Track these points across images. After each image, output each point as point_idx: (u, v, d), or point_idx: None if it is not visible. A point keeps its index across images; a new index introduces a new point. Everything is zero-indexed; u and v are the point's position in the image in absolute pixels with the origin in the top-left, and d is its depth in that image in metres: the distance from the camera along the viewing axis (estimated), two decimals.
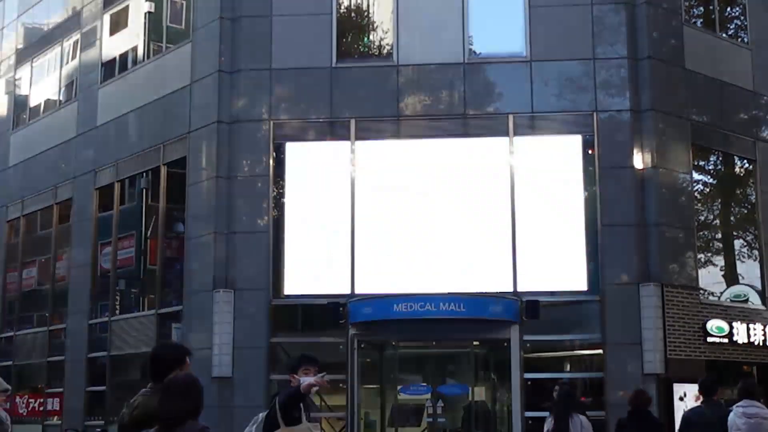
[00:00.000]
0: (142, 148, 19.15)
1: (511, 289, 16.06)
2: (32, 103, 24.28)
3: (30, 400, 21.70)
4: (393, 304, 15.75)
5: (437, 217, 16.63)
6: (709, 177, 18.60)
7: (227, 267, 16.64)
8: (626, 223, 15.99)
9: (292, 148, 17.24)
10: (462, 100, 16.77)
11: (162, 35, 19.81)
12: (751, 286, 17.67)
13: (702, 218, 18.17)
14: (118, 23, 21.01)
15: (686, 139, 16.86)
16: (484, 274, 16.25)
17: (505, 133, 16.53)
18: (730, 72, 18.07)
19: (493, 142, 16.71)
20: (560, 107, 16.55)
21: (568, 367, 16.77)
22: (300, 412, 6.77)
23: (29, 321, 23.01)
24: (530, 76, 16.62)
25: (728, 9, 19.58)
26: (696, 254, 16.78)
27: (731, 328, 16.40)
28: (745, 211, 18.92)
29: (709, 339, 16.10)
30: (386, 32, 17.61)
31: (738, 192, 19.06)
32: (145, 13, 19.91)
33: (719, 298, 17.31)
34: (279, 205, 17.36)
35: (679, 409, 14.18)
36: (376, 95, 16.96)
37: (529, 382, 15.78)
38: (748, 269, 17.97)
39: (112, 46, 21.10)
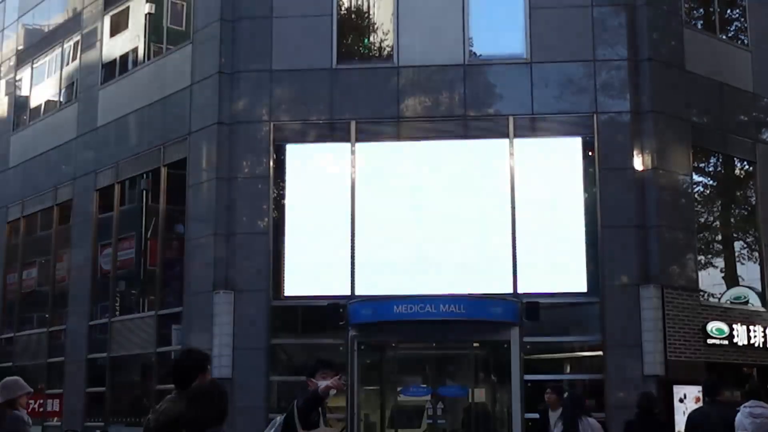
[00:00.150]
0: (142, 150, 19.16)
1: (511, 291, 16.07)
2: (33, 104, 24.29)
3: (30, 401, 21.56)
4: (393, 305, 15.74)
5: (437, 218, 16.62)
6: (709, 178, 18.60)
7: (227, 268, 16.63)
8: (626, 224, 15.99)
9: (292, 150, 17.25)
10: (462, 102, 16.78)
11: (162, 36, 19.82)
12: (752, 288, 17.67)
13: (702, 220, 18.17)
14: (119, 24, 21.02)
15: (686, 141, 16.86)
16: (484, 276, 16.25)
17: (506, 135, 16.53)
18: (730, 74, 18.08)
19: (493, 143, 16.72)
20: (560, 109, 16.55)
21: (568, 369, 16.77)
22: (318, 415, 6.86)
23: (29, 322, 23.01)
24: (530, 78, 16.62)
25: (728, 11, 19.59)
26: (696, 256, 16.78)
27: (731, 329, 16.40)
28: (745, 213, 18.92)
29: (709, 341, 16.10)
30: (386, 34, 17.61)
31: (738, 194, 19.07)
32: (146, 15, 19.92)
33: (719, 299, 17.32)
34: (279, 207, 17.36)
35: (679, 411, 14.21)
36: (377, 97, 16.96)
37: (529, 384, 15.76)
38: (748, 271, 17.97)
39: (113, 48, 21.11)
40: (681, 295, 15.97)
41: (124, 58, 20.86)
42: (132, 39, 20.62)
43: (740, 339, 16.49)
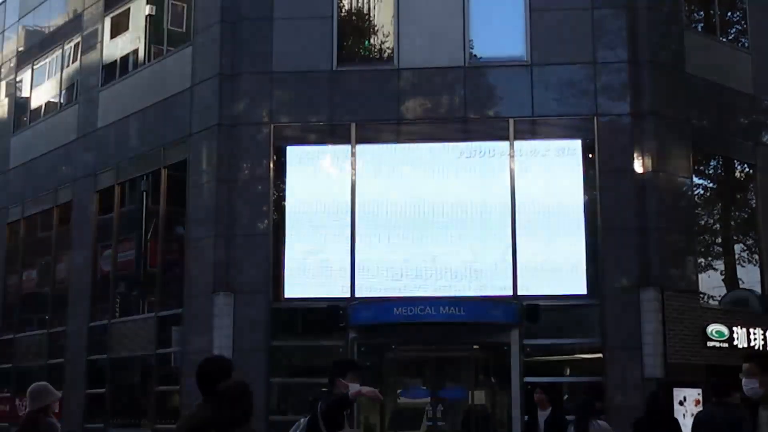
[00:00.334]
0: (142, 151, 19.17)
1: (511, 293, 16.07)
2: (33, 105, 24.29)
3: None
4: (393, 307, 15.75)
5: (437, 220, 16.62)
6: (709, 181, 18.60)
7: (227, 270, 16.63)
8: (626, 227, 15.99)
9: (292, 152, 17.25)
10: (463, 104, 16.78)
11: (163, 38, 19.83)
12: (751, 291, 17.67)
13: (702, 222, 18.17)
14: (119, 26, 21.03)
15: (686, 144, 16.86)
16: (484, 278, 16.24)
17: (506, 137, 16.53)
18: (731, 76, 18.08)
19: (493, 145, 16.71)
20: (561, 111, 16.55)
21: (568, 371, 16.75)
22: (343, 418, 6.80)
23: (29, 323, 23.00)
24: (531, 80, 16.63)
25: (729, 13, 19.60)
26: (696, 258, 16.78)
27: (731, 332, 16.39)
28: (746, 216, 18.92)
29: (709, 343, 16.09)
30: (387, 36, 17.62)
31: (738, 196, 19.06)
32: (146, 16, 19.92)
33: (719, 302, 17.31)
34: (279, 209, 17.36)
35: (679, 413, 14.19)
36: (377, 99, 16.97)
37: (529, 386, 15.71)
38: (749, 274, 17.97)
39: (113, 49, 21.11)
40: (681, 297, 15.96)
41: (124, 59, 20.86)
42: (132, 40, 20.63)
43: (740, 342, 16.48)
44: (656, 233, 15.98)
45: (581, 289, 16.22)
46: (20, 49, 25.20)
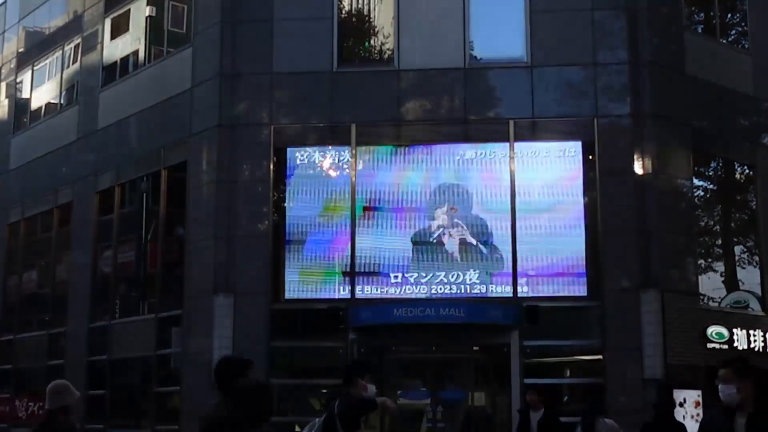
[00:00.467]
0: (142, 152, 19.17)
1: (511, 295, 16.07)
2: (33, 106, 24.30)
3: (29, 404, 21.66)
4: (393, 308, 15.75)
5: (437, 221, 16.62)
6: (709, 183, 18.59)
7: (227, 271, 16.63)
8: (626, 228, 15.98)
9: (292, 153, 17.25)
10: (463, 105, 16.78)
11: (163, 39, 19.83)
12: (752, 293, 17.65)
13: (702, 224, 18.16)
14: (119, 27, 21.03)
15: (687, 145, 16.86)
16: (484, 279, 16.24)
17: (506, 138, 16.53)
18: (731, 78, 18.07)
19: (493, 147, 16.71)
20: (561, 112, 16.55)
21: (568, 373, 16.75)
22: (360, 419, 6.88)
23: (29, 324, 23.00)
24: (531, 82, 16.63)
25: (729, 15, 19.60)
26: (696, 260, 16.78)
27: (731, 334, 16.38)
28: (746, 217, 18.91)
29: (709, 345, 16.09)
30: (387, 37, 17.62)
31: (738, 198, 19.06)
32: (146, 17, 19.93)
33: (719, 304, 17.31)
34: (279, 210, 17.36)
35: (679, 415, 14.17)
36: (377, 100, 16.97)
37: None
38: (749, 275, 17.96)
39: (113, 50, 21.12)
40: (681, 299, 15.96)
41: (124, 60, 20.87)
42: (133, 41, 20.63)
43: (740, 343, 16.48)
44: (656, 235, 15.97)
45: (581, 290, 16.22)
46: (20, 50, 25.20)
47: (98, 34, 21.34)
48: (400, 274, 16.36)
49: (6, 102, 25.31)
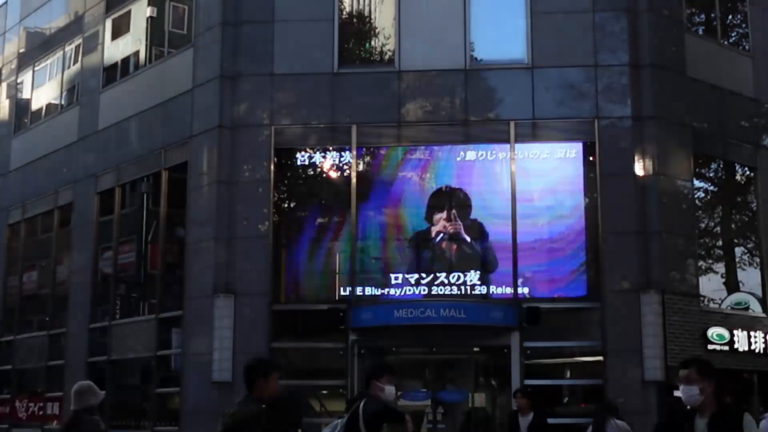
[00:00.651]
0: (143, 153, 19.16)
1: (511, 296, 16.06)
2: (34, 107, 24.30)
3: (30, 404, 21.68)
4: (393, 309, 15.75)
5: (438, 222, 16.62)
6: (710, 184, 18.59)
7: (228, 272, 16.62)
8: (627, 230, 15.98)
9: (293, 154, 17.25)
10: (463, 107, 16.78)
11: (164, 40, 19.83)
12: (752, 294, 17.65)
13: (703, 226, 18.16)
14: (120, 28, 21.03)
15: (687, 147, 16.86)
16: (484, 281, 16.24)
17: (507, 140, 16.53)
18: (732, 80, 18.08)
19: (494, 148, 16.71)
20: (561, 114, 16.55)
21: (568, 374, 16.75)
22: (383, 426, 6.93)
23: (29, 325, 22.99)
24: (531, 83, 16.63)
25: (730, 17, 19.60)
26: (697, 262, 16.78)
27: (732, 335, 16.39)
28: (746, 219, 18.91)
29: (710, 346, 16.08)
30: (388, 38, 17.62)
31: (739, 199, 19.05)
32: (147, 18, 19.93)
33: (720, 305, 17.30)
34: (280, 211, 17.37)
35: None
36: (378, 101, 16.97)
37: (530, 389, 15.73)
38: (749, 277, 17.96)
39: (114, 51, 21.12)
40: (681, 300, 15.96)
41: (125, 61, 20.87)
42: (133, 42, 20.63)
43: (741, 345, 16.48)
44: (657, 236, 15.97)
45: (582, 291, 16.23)
46: (21, 50, 25.21)
47: (99, 34, 21.34)
48: (400, 275, 16.36)
49: (7, 102, 25.30)
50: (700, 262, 17.20)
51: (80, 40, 22.13)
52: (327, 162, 17.16)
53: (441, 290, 16.12)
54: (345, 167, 16.95)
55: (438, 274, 16.27)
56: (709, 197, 18.47)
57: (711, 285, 17.34)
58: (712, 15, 18.86)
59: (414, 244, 16.73)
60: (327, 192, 17.56)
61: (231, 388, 16.05)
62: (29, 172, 23.32)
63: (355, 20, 18.30)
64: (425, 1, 17.43)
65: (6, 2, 26.24)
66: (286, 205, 17.79)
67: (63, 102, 23.06)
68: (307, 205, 17.94)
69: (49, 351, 21.25)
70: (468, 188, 16.72)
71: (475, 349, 16.71)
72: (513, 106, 16.71)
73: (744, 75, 18.45)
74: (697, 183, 17.42)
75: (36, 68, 24.27)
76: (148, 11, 19.88)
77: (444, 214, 16.66)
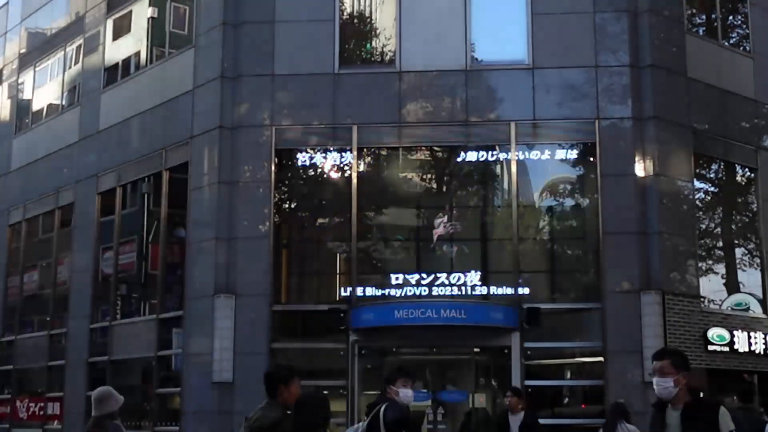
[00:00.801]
0: (144, 153, 19.17)
1: (512, 296, 16.06)
2: (35, 107, 24.30)
3: (30, 404, 21.69)
4: (394, 310, 15.76)
5: (438, 223, 16.63)
6: (710, 185, 18.60)
7: (228, 272, 16.64)
8: (627, 230, 15.99)
9: (293, 154, 17.27)
10: (464, 107, 16.79)
11: (165, 40, 19.84)
12: (752, 295, 17.66)
13: (703, 226, 18.17)
14: (121, 28, 21.05)
15: (688, 147, 16.87)
16: (485, 281, 16.25)
17: (507, 140, 16.54)
18: (732, 80, 18.08)
19: (494, 149, 16.71)
20: (562, 114, 16.56)
21: (568, 375, 16.76)
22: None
23: (30, 325, 23.01)
24: (532, 84, 16.64)
25: (730, 18, 19.60)
26: (697, 262, 16.78)
27: (732, 336, 16.39)
28: (747, 220, 18.91)
29: (710, 347, 16.10)
30: (389, 39, 17.63)
31: (739, 200, 19.06)
32: (148, 19, 19.94)
33: (720, 306, 17.31)
34: (280, 211, 17.38)
35: None
36: (378, 101, 16.98)
37: (530, 389, 15.76)
38: (749, 278, 17.97)
39: (115, 51, 21.13)
40: (682, 301, 15.97)
41: (126, 61, 20.87)
42: (134, 43, 20.65)
43: (741, 346, 16.48)
44: (657, 237, 15.97)
45: (582, 292, 16.23)
46: (22, 50, 25.22)
47: (100, 35, 21.35)
48: (401, 276, 16.36)
49: (8, 103, 25.32)
50: (701, 263, 17.21)
51: (81, 41, 22.14)
52: (328, 162, 17.17)
53: (441, 291, 16.12)
54: (345, 168, 16.96)
55: (438, 275, 16.27)
56: (709, 198, 18.48)
57: (711, 286, 17.35)
58: (713, 16, 18.87)
59: (415, 244, 16.74)
60: (328, 192, 17.58)
61: (231, 389, 16.09)
62: (30, 172, 23.33)
63: (355, 21, 18.31)
64: (426, 2, 17.44)
65: (7, 2, 26.25)
66: (286, 206, 17.80)
67: (64, 102, 23.07)
68: (307, 206, 17.96)
69: (50, 351, 21.26)
70: (468, 189, 16.73)
71: (475, 349, 16.72)
72: (513, 106, 16.72)
73: (744, 76, 18.45)
74: (697, 184, 17.43)
75: (37, 68, 24.28)
76: (149, 12, 19.90)
77: (445, 215, 16.67)
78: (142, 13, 20.23)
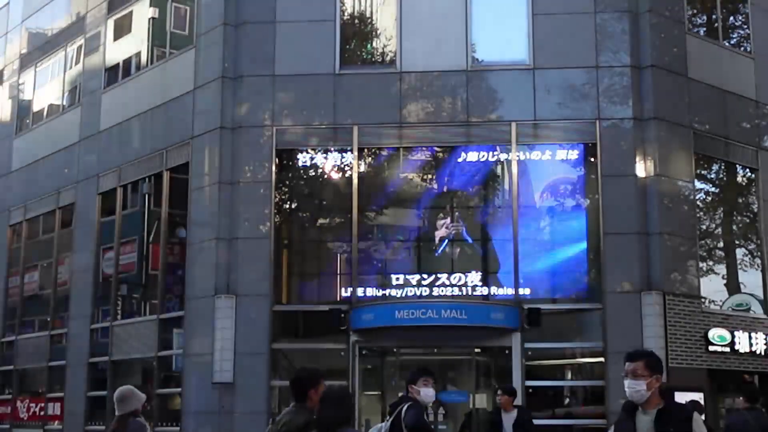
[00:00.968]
0: (144, 154, 19.17)
1: (512, 297, 16.07)
2: (36, 107, 24.31)
3: (31, 405, 21.70)
4: (395, 310, 15.76)
5: (439, 223, 16.63)
6: (711, 186, 18.60)
7: (229, 273, 16.64)
8: (628, 231, 15.99)
9: (294, 155, 17.26)
10: (465, 108, 16.79)
11: (166, 41, 19.84)
12: (753, 295, 17.65)
13: (704, 227, 18.16)
14: (122, 28, 21.05)
15: (689, 148, 16.87)
16: (485, 282, 16.25)
17: (508, 141, 16.53)
18: (733, 81, 18.07)
19: (495, 149, 16.71)
20: (563, 115, 16.56)
21: (569, 375, 16.76)
22: None
23: (31, 325, 23.01)
24: (533, 84, 16.63)
25: (731, 18, 19.60)
26: (698, 263, 16.77)
27: (733, 337, 16.39)
28: (747, 220, 18.91)
29: (711, 348, 16.09)
30: (389, 39, 17.63)
31: (740, 201, 19.06)
32: (149, 19, 19.95)
33: (721, 306, 17.30)
34: (281, 211, 17.37)
35: None
36: (379, 102, 16.98)
37: (531, 390, 15.77)
38: (750, 278, 17.96)
39: (116, 52, 21.13)
40: (683, 302, 15.97)
41: (127, 62, 20.88)
42: (135, 43, 20.64)
43: (742, 346, 16.48)
44: (658, 237, 15.97)
45: (583, 293, 16.23)
46: (23, 51, 25.22)
47: (101, 35, 21.35)
48: (401, 276, 16.36)
49: (9, 103, 25.32)
50: (702, 264, 17.20)
51: (82, 41, 22.15)
52: (328, 163, 17.17)
53: (442, 291, 16.13)
54: (346, 168, 16.96)
55: (439, 275, 16.27)
56: (710, 198, 18.48)
57: (712, 286, 17.35)
58: (714, 16, 18.87)
59: (415, 244, 16.74)
60: (328, 193, 17.58)
61: (232, 389, 16.08)
62: (31, 172, 23.33)
63: (356, 21, 18.30)
64: (427, 2, 17.44)
65: (8, 3, 26.25)
66: (287, 206, 17.80)
67: (65, 102, 23.07)
68: (308, 206, 17.95)
69: (51, 351, 21.26)
70: (469, 189, 16.73)
71: (476, 350, 16.71)
72: (514, 107, 16.72)
73: (745, 76, 18.44)
74: (698, 184, 17.43)
75: (38, 69, 24.28)
76: (150, 12, 19.90)
77: (445, 215, 16.67)
78: (142, 14, 20.23)
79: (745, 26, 19.28)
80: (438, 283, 16.23)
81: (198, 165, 17.58)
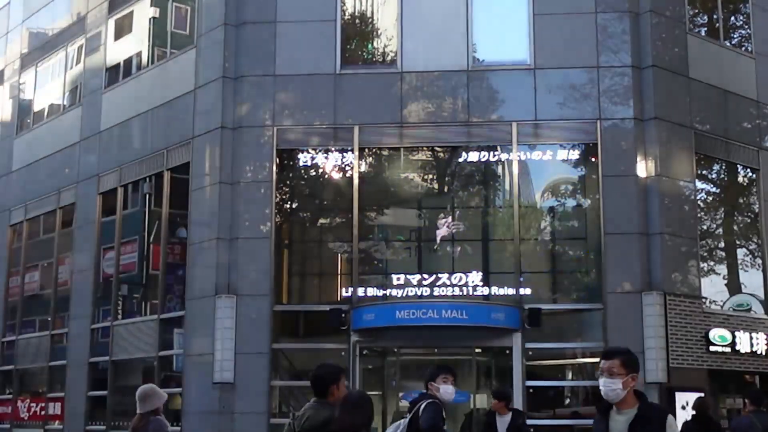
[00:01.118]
0: (145, 153, 19.17)
1: (513, 297, 16.06)
2: (36, 107, 24.31)
3: (31, 405, 21.70)
4: (395, 310, 15.76)
5: (440, 223, 16.62)
6: (712, 186, 18.59)
7: (229, 273, 16.63)
8: (629, 231, 15.98)
9: (295, 154, 17.26)
10: (465, 108, 16.79)
11: (166, 41, 19.83)
12: (754, 296, 17.65)
13: (705, 227, 18.16)
14: (123, 28, 21.05)
15: (690, 148, 16.86)
16: (486, 282, 16.24)
17: (509, 141, 16.53)
18: (734, 81, 18.07)
19: (496, 149, 16.71)
20: (564, 115, 16.55)
21: (570, 375, 16.75)
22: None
23: (31, 325, 23.00)
24: (534, 84, 16.63)
25: (732, 18, 19.59)
26: (699, 263, 16.76)
27: (734, 337, 16.37)
28: (748, 221, 18.90)
29: (712, 348, 16.08)
30: (390, 39, 17.63)
31: (741, 201, 19.05)
32: (150, 19, 19.95)
33: (722, 307, 17.30)
34: (282, 211, 17.37)
35: (681, 419, 14.16)
36: (380, 102, 16.97)
37: (531, 390, 15.76)
38: (751, 278, 17.96)
39: (117, 52, 21.13)
40: (683, 302, 15.96)
41: (127, 62, 20.88)
42: (136, 43, 20.65)
43: (743, 346, 16.47)
44: (659, 237, 15.96)
45: (583, 293, 16.22)
46: (24, 51, 25.22)
47: (101, 35, 21.35)
48: (402, 276, 16.35)
49: (9, 103, 25.32)
50: (702, 264, 17.19)
51: (83, 41, 22.15)
52: (329, 163, 17.16)
53: (443, 291, 16.11)
54: (347, 168, 16.95)
55: (440, 275, 16.26)
56: (711, 199, 18.47)
57: (713, 286, 17.34)
58: (715, 16, 18.86)
59: (416, 244, 16.74)
60: (329, 193, 17.58)
61: (232, 389, 16.08)
62: (31, 172, 23.33)
63: (357, 21, 18.30)
64: (427, 2, 17.43)
65: (9, 3, 26.25)
66: (288, 206, 17.79)
67: (65, 102, 23.07)
68: (309, 206, 17.95)
69: (51, 351, 21.27)
70: (470, 189, 16.72)
71: (476, 350, 16.71)
72: (515, 107, 16.71)
73: (746, 76, 18.44)
74: (699, 184, 17.42)
75: (38, 69, 24.29)
76: (151, 12, 19.90)
77: (446, 215, 16.66)
78: (143, 14, 20.23)
79: (746, 26, 19.28)
80: (439, 283, 16.22)
81: (198, 165, 17.58)
